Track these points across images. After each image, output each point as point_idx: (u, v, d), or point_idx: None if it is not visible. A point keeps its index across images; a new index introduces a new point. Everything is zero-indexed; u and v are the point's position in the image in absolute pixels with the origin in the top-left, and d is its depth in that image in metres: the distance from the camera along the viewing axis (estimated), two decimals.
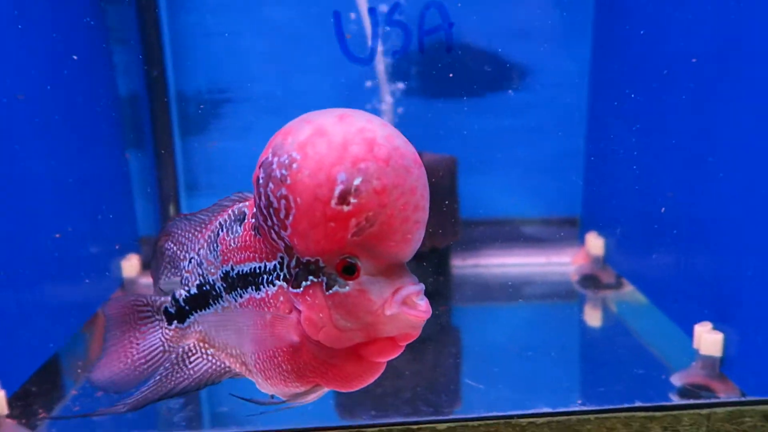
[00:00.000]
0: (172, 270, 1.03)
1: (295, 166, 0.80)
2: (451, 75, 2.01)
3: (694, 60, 1.58)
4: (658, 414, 1.03)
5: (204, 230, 0.98)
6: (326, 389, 0.93)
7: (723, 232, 1.49)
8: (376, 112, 2.12)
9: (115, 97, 2.09)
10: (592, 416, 1.03)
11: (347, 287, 0.83)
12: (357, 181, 0.78)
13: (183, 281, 1.00)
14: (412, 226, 0.82)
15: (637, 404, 1.03)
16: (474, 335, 1.94)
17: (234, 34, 2.10)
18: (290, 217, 0.81)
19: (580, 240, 2.26)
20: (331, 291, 0.83)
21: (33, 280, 1.60)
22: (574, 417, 1.02)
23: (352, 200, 0.78)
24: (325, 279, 0.84)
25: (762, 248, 1.32)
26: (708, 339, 1.36)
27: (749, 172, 1.39)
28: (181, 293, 1.01)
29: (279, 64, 2.11)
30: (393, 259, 0.83)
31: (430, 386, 1.49)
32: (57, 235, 1.48)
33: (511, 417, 1.01)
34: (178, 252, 1.01)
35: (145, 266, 2.12)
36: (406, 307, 0.83)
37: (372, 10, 1.23)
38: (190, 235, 1.00)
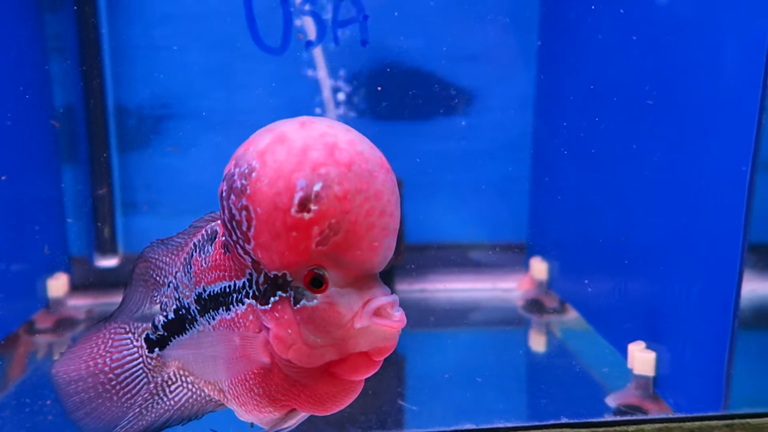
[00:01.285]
0: (151, 297, 0.99)
1: (254, 175, 0.78)
2: (391, 97, 2.01)
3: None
4: (584, 431, 1.00)
5: (180, 253, 0.96)
6: (305, 414, 0.88)
7: (654, 256, 1.50)
8: None
9: (50, 108, 2.02)
10: None
11: (315, 300, 0.79)
12: (317, 187, 0.76)
13: (162, 307, 0.97)
14: (378, 233, 0.79)
15: (564, 420, 1.00)
16: (416, 360, 1.89)
17: (178, 48, 2.07)
18: (252, 229, 0.78)
19: (527, 265, 2.25)
20: (298, 305, 0.80)
21: None
22: None
23: (313, 207, 0.76)
24: (292, 293, 0.81)
25: (688, 269, 1.33)
26: (641, 358, 1.35)
27: (680, 197, 1.41)
28: (160, 319, 0.97)
29: (223, 80, 2.08)
30: (361, 269, 0.80)
31: (363, 408, 1.43)
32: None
33: None
34: (157, 278, 0.98)
35: (75, 287, 2.02)
36: (377, 318, 0.79)
37: (285, 0, 1.22)
38: (168, 259, 0.97)
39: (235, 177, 0.79)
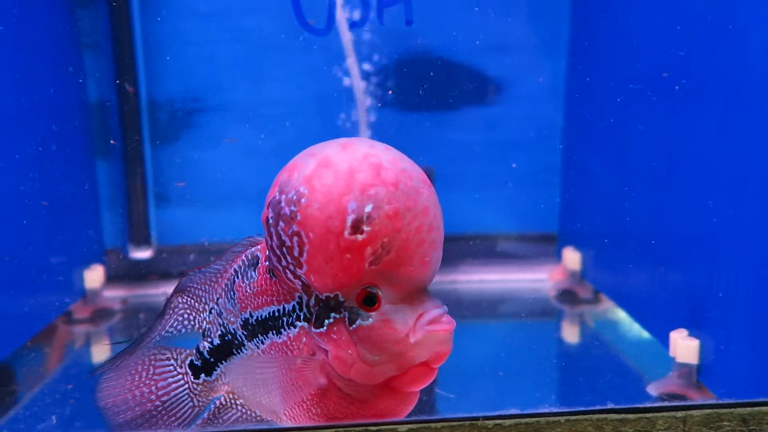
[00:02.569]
0: (187, 324, 1.00)
1: (303, 200, 0.78)
2: (425, 87, 2.00)
3: (665, 74, 1.59)
4: (631, 416, 0.98)
5: (220, 279, 0.96)
6: None
7: (696, 243, 1.47)
8: (351, 121, 2.10)
9: (85, 103, 2.05)
10: (562, 418, 0.97)
11: (370, 319, 0.81)
12: (368, 208, 0.77)
13: (205, 333, 0.98)
14: (428, 248, 0.80)
15: (610, 406, 0.98)
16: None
17: (208, 42, 2.08)
18: (304, 254, 0.79)
19: (558, 256, 2.23)
20: (354, 326, 0.81)
21: None
22: (543, 419, 0.97)
23: (366, 228, 0.77)
24: (347, 314, 0.82)
25: (735, 255, 1.30)
26: (684, 345, 1.32)
27: (722, 184, 1.38)
28: (205, 345, 0.98)
29: (253, 73, 2.10)
30: (413, 284, 0.81)
31: None
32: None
33: (476, 418, 0.95)
34: (196, 305, 0.99)
35: (110, 278, 2.05)
36: (429, 326, 0.81)
37: None
38: (207, 286, 0.98)
39: (282, 204, 0.80)
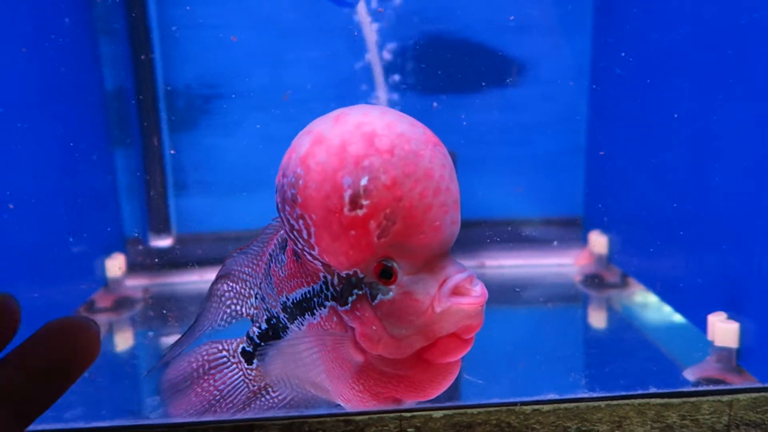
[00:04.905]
0: (236, 314, 0.99)
1: (301, 182, 0.76)
2: (448, 69, 1.96)
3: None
4: (675, 401, 0.94)
5: (260, 263, 0.96)
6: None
7: (732, 223, 1.42)
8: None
9: (102, 90, 2.03)
10: (603, 403, 0.94)
11: (390, 293, 0.78)
12: (364, 181, 0.74)
13: (253, 319, 0.97)
14: (437, 212, 0.75)
15: (652, 390, 0.95)
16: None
17: (225, 28, 2.05)
18: (312, 236, 0.77)
19: (583, 241, 2.18)
20: (376, 301, 0.79)
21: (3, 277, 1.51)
22: (583, 404, 0.93)
23: (364, 202, 0.74)
24: (368, 290, 0.79)
25: None
26: (723, 329, 1.28)
27: (758, 162, 1.33)
28: (254, 330, 0.97)
29: (271, 59, 2.06)
30: (429, 251, 0.77)
31: None
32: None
33: (514, 404, 0.92)
34: (242, 291, 0.98)
35: (131, 267, 2.04)
36: (456, 297, 0.76)
37: None
38: (250, 269, 0.97)
39: (285, 187, 0.78)
